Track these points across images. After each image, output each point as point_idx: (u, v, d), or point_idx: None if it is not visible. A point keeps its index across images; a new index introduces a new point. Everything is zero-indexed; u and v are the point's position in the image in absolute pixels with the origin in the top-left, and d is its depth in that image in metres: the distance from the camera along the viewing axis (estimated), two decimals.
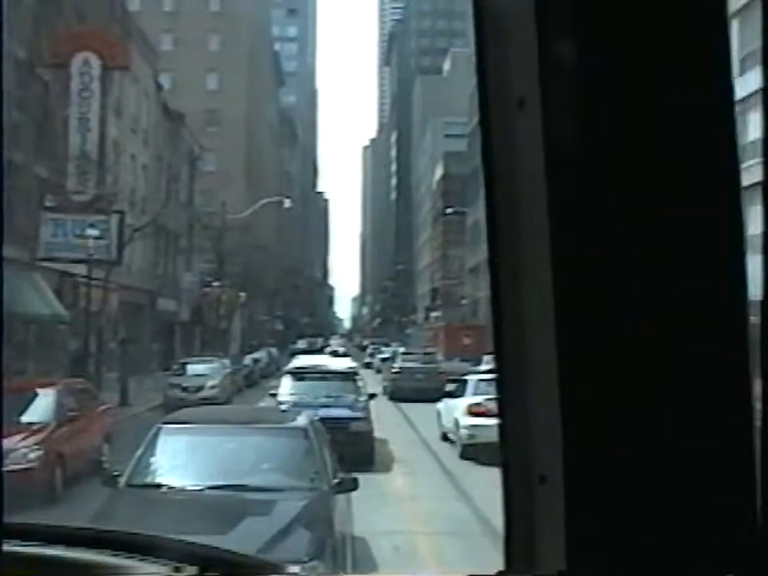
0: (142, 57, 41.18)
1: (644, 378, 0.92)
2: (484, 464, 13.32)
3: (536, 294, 0.95)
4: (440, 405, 19.82)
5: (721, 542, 0.92)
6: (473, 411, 16.16)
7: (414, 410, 23.82)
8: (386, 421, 19.40)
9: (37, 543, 1.51)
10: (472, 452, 15.35)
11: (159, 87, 46.27)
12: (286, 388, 16.63)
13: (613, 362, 0.92)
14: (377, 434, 15.77)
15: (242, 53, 72.09)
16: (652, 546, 0.92)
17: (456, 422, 17.10)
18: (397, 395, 28.12)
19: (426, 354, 33.60)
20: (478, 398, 16.31)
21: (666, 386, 0.92)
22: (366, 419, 15.43)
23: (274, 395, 16.64)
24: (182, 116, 49.30)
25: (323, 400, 14.76)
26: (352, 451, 11.32)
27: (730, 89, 0.93)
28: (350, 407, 15.46)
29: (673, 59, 0.91)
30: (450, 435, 18.01)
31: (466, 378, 19.35)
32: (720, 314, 0.93)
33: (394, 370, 30.68)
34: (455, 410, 17.52)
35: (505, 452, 1.02)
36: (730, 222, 0.93)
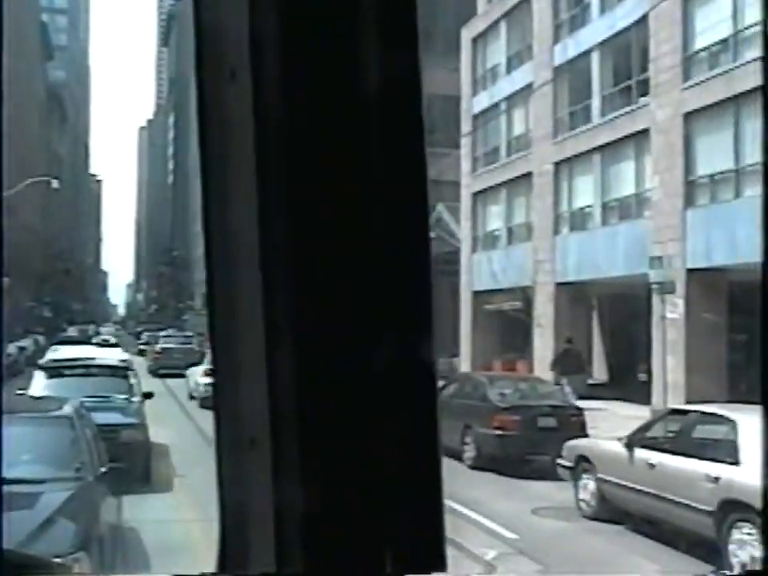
0: None
1: (346, 355, 0.96)
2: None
3: (246, 276, 0.97)
4: (188, 372, 26.20)
5: (420, 533, 0.97)
6: (207, 373, 20.45)
7: (173, 381, 29.73)
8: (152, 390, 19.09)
9: None
10: (207, 402, 19.24)
11: None
12: (38, 387, 13.40)
13: (315, 338, 0.96)
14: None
15: (5, 21, 67.71)
16: (354, 529, 0.96)
17: (196, 383, 23.05)
18: (158, 372, 34.09)
19: (184, 336, 42.12)
20: None
21: (364, 366, 0.96)
22: (141, 425, 12.71)
23: (22, 395, 13.21)
24: None
25: (86, 402, 10.60)
26: (122, 466, 9.20)
27: (419, 92, 0.98)
28: (120, 411, 12.72)
29: (373, 37, 0.96)
30: (194, 393, 23.69)
31: (208, 351, 25.88)
32: (408, 303, 0.98)
33: (156, 351, 37.61)
34: (196, 375, 23.44)
35: (218, 417, 1.03)
36: (419, 214, 0.98)
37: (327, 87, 0.95)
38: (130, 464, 10.65)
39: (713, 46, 21.42)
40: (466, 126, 34.47)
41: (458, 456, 14.57)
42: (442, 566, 0.98)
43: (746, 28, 20.33)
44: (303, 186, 0.95)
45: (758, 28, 19.81)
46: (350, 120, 0.95)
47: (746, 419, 9.02)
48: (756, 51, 19.77)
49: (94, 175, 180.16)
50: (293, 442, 0.95)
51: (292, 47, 0.94)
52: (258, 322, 0.96)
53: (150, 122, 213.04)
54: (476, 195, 33.72)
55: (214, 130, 1.00)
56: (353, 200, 0.95)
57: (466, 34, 35.08)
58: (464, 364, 32.21)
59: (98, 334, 63.00)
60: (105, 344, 38.55)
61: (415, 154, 0.97)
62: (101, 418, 10.24)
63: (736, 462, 8.52)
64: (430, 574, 0.97)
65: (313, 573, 0.96)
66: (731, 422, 9.01)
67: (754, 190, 20.00)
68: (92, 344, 35.60)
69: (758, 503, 8.01)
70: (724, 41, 20.99)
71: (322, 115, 0.95)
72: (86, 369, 14.25)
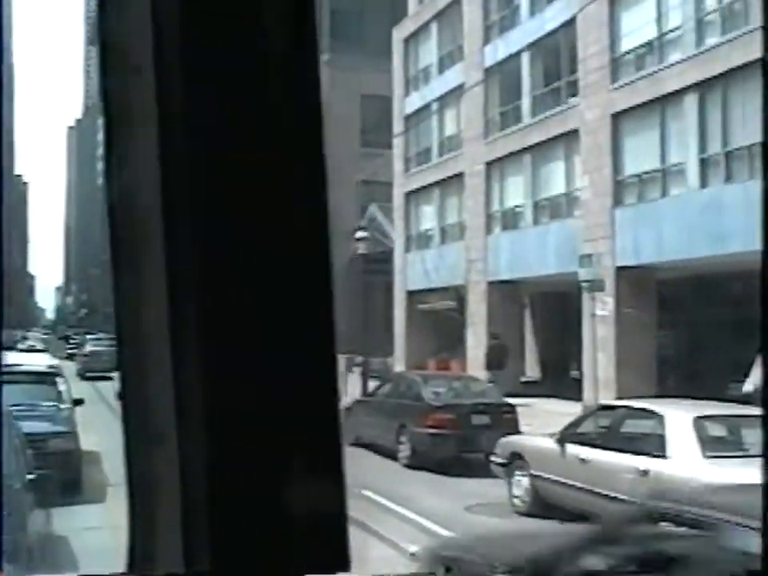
0: None
1: (250, 349, 0.97)
2: None
3: (151, 271, 0.98)
4: (115, 374, 28.66)
5: (325, 534, 0.99)
6: None
7: (103, 384, 29.31)
8: (82, 393, 18.58)
9: None
10: None
11: None
12: None
13: (220, 332, 0.97)
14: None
15: None
16: (262, 528, 0.97)
17: None
18: (87, 375, 33.71)
19: (111, 339, 40.20)
20: None
21: (268, 361, 0.97)
22: (71, 434, 12.22)
23: None
24: None
25: (13, 411, 9.85)
26: (52, 477, 8.80)
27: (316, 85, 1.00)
28: (48, 419, 12.11)
29: (275, 31, 0.97)
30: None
31: None
32: (309, 297, 0.99)
33: (84, 354, 38.01)
34: None
35: (125, 414, 1.03)
36: (317, 211, 0.99)
37: (230, 81, 0.96)
38: (60, 475, 10.19)
39: (639, 48, 21.86)
40: (398, 127, 34.58)
41: (392, 455, 14.61)
42: (345, 566, 0.99)
43: (670, 31, 20.80)
44: (206, 181, 0.95)
45: (680, 32, 20.29)
46: (252, 114, 0.96)
47: (674, 413, 9.24)
48: (679, 54, 20.24)
49: (19, 176, 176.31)
50: (200, 439, 0.96)
51: (195, 41, 0.95)
52: (164, 318, 0.96)
53: (78, 122, 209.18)
54: (409, 195, 33.86)
55: (118, 124, 1.00)
56: (255, 194, 0.96)
57: (398, 35, 35.19)
58: (398, 363, 32.32)
59: (24, 339, 61.54)
60: (32, 349, 37.70)
61: (315, 148, 0.99)
62: (28, 427, 9.64)
63: (664, 456, 8.71)
64: (334, 573, 0.99)
65: (221, 572, 0.97)
66: (659, 417, 9.21)
67: (679, 189, 20.48)
68: (18, 350, 34.77)
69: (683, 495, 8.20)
70: (649, 43, 21.44)
71: (224, 109, 0.96)
72: (12, 375, 13.42)
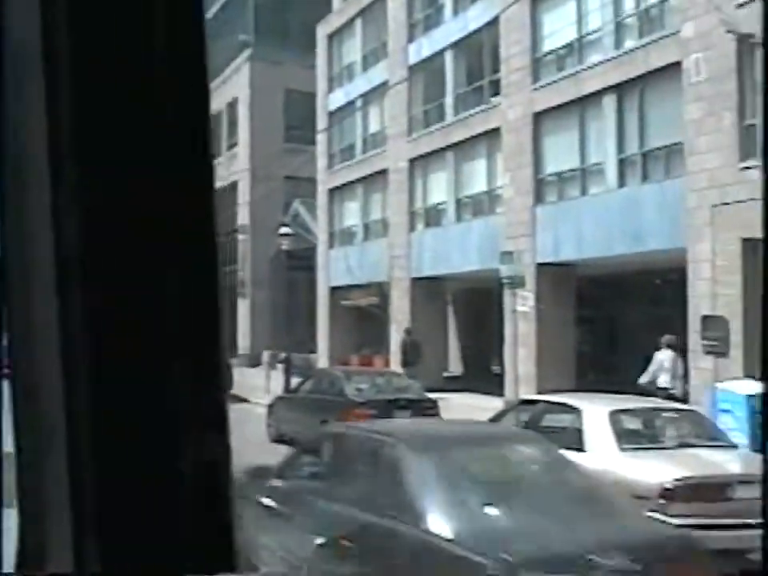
0: None
1: (140, 351, 0.99)
2: None
3: (40, 274, 0.99)
4: None
5: (213, 534, 1.01)
6: None
7: None
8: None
9: None
10: None
11: None
12: None
13: (108, 332, 0.98)
14: None
15: None
16: (151, 529, 0.99)
17: None
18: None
19: None
20: None
21: (156, 361, 0.99)
22: None
23: None
24: None
25: None
26: None
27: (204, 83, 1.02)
28: None
29: (163, 41, 0.99)
30: None
31: None
32: (195, 296, 1.02)
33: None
34: None
35: (15, 415, 1.04)
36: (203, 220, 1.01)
37: (118, 84, 0.97)
38: None
39: (559, 49, 22.24)
40: (321, 123, 34.49)
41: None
42: (233, 566, 1.02)
43: (590, 33, 21.21)
44: (95, 186, 0.97)
45: (600, 34, 20.70)
46: (140, 122, 0.98)
47: (590, 408, 9.44)
48: (599, 56, 20.65)
49: None
50: (89, 442, 0.97)
51: (84, 51, 0.96)
52: (53, 319, 0.97)
53: None
54: (332, 191, 33.82)
55: (8, 134, 1.00)
56: (142, 194, 0.98)
57: (322, 31, 35.09)
58: (321, 360, 32.27)
59: None
60: None
61: (201, 150, 1.01)
62: None
63: (581, 449, 8.89)
64: (222, 573, 1.01)
65: (110, 572, 0.98)
66: (577, 411, 9.40)
67: (598, 188, 20.91)
68: None
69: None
70: (570, 45, 21.83)
71: (113, 113, 0.97)
72: None
